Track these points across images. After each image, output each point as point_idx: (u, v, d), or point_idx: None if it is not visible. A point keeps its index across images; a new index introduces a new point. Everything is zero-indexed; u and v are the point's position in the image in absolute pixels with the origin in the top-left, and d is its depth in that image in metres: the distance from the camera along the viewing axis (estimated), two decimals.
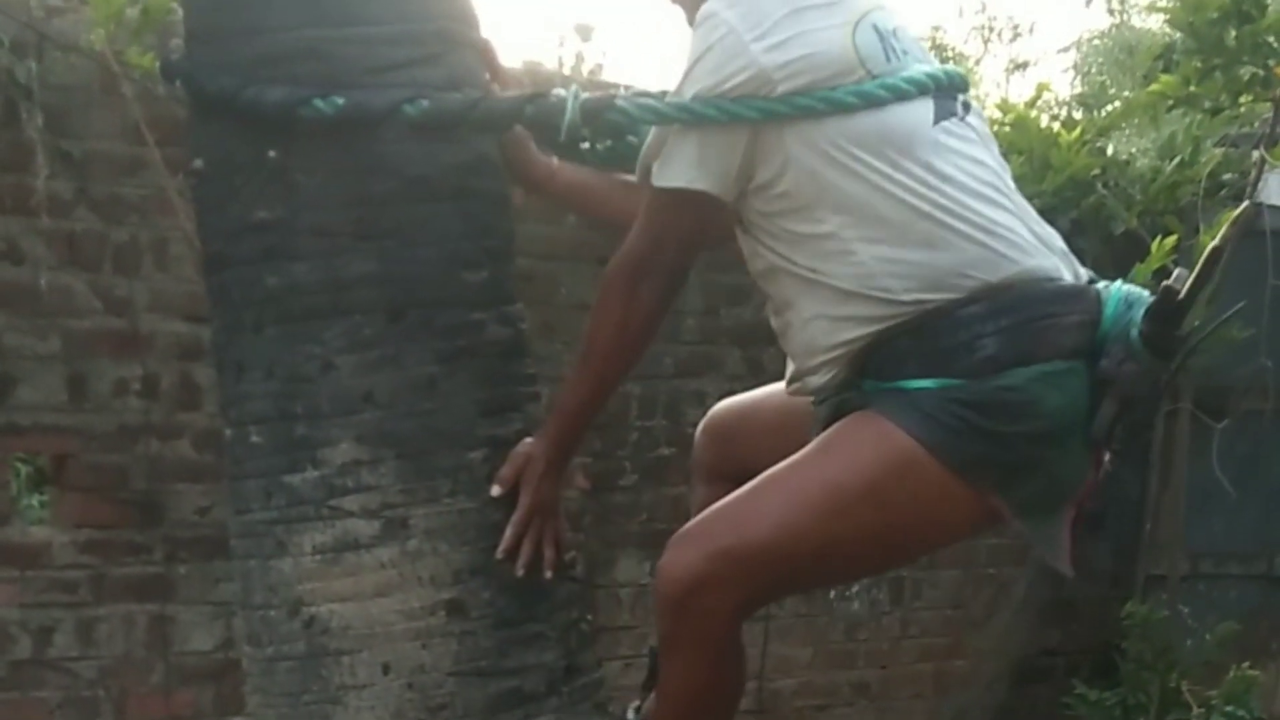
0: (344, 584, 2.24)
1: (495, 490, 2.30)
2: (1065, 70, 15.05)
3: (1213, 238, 4.67)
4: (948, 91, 2.32)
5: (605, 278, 2.33)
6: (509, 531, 2.30)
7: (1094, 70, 7.44)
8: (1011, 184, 2.35)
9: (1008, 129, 5.03)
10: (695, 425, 2.81)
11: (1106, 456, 2.34)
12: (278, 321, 2.25)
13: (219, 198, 2.30)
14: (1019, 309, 2.22)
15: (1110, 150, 5.27)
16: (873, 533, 2.26)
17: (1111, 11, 7.07)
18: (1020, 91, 16.12)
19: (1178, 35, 4.85)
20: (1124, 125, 5.19)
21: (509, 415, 2.34)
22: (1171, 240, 4.66)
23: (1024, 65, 16.87)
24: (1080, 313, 2.23)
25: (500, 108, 2.35)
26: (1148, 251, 4.66)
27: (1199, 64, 4.45)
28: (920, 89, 2.28)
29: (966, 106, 2.36)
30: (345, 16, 2.21)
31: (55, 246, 3.80)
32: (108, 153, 3.82)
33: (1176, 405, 5.39)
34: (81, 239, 3.84)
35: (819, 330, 2.31)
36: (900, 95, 2.25)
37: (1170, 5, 4.66)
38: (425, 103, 2.23)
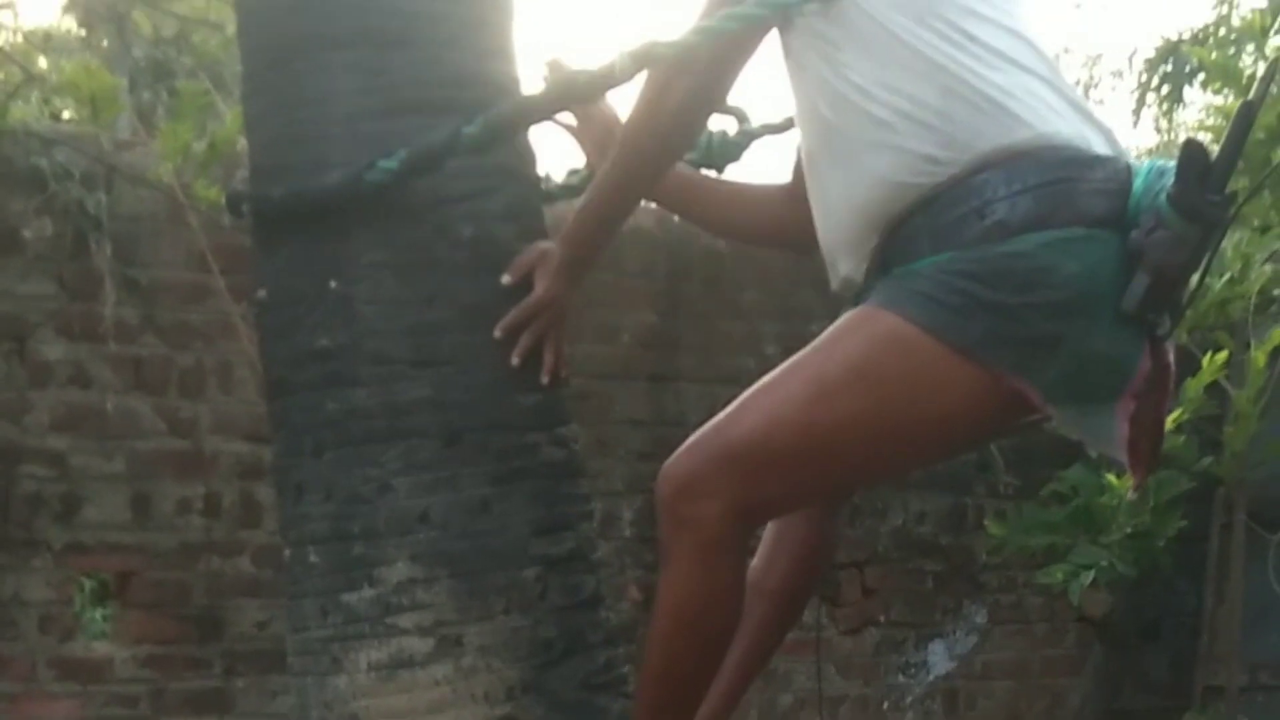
0: (398, 700, 2.25)
1: (506, 278, 2.29)
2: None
3: (1264, 353, 4.76)
4: None
5: (645, 81, 2.27)
6: (512, 314, 2.29)
7: None
8: (1049, 56, 2.22)
9: None
10: None
11: (1169, 351, 2.15)
12: (337, 445, 2.29)
13: (282, 326, 2.36)
14: (1034, 174, 2.07)
15: None
16: (866, 418, 2.10)
17: (1159, 129, 7.17)
18: None
19: None
20: None
21: (562, 535, 2.36)
22: (1223, 356, 4.65)
23: None
24: (1103, 180, 2.09)
25: (553, 90, 2.37)
26: (1199, 367, 4.67)
27: (1246, 183, 4.48)
28: None
29: None
30: None
31: (122, 371, 3.92)
32: (174, 280, 3.95)
33: (1231, 518, 5.37)
34: (148, 363, 3.96)
35: (845, 208, 2.21)
36: None
37: (1216, 125, 4.69)
38: (480, 118, 2.26)
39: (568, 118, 2.62)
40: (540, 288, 2.31)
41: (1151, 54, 5.45)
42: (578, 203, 2.37)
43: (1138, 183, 2.07)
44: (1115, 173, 2.10)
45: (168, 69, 4.82)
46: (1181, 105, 5.54)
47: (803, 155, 2.33)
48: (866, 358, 2.10)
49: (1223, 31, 4.98)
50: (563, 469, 2.39)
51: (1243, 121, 2.07)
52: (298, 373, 2.34)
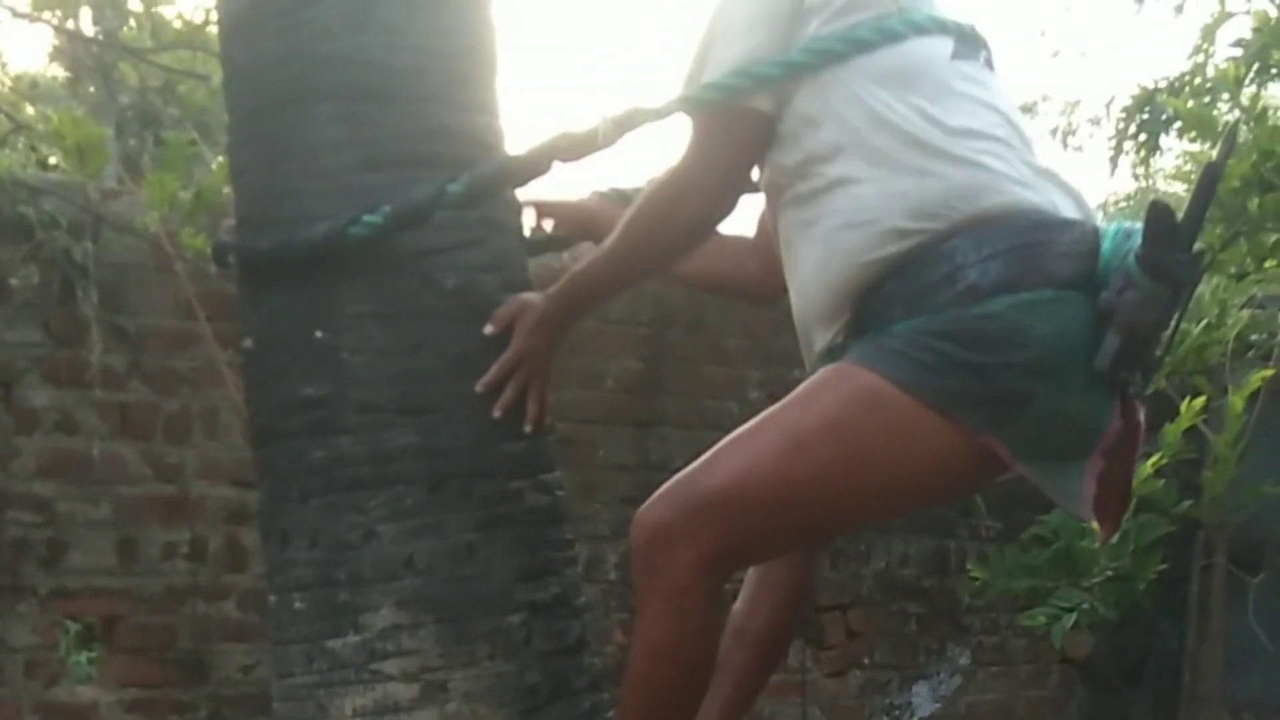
0: None
1: (488, 329, 2.33)
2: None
3: (1242, 398, 4.80)
4: (970, 39, 2.29)
5: (653, 191, 2.33)
6: (494, 369, 2.32)
7: None
8: (1023, 128, 2.27)
9: None
10: None
11: (1140, 409, 2.19)
12: (323, 492, 2.31)
13: (267, 375, 2.39)
14: (1003, 239, 2.11)
15: None
16: (838, 472, 2.13)
17: (1136, 176, 7.22)
18: None
19: None
20: None
21: (546, 580, 2.38)
22: (1200, 401, 4.69)
23: None
24: (1071, 243, 2.12)
25: (537, 152, 2.38)
26: (1177, 412, 4.71)
27: (1222, 230, 4.52)
28: (941, 27, 2.26)
29: (989, 62, 2.32)
30: (390, 203, 2.28)
31: (108, 417, 3.94)
32: (160, 327, 3.97)
33: (1212, 560, 5.40)
34: (134, 409, 3.98)
35: (817, 285, 2.25)
36: (920, 30, 2.23)
37: (1192, 174, 4.74)
38: (465, 177, 2.30)
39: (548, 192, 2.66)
40: (518, 342, 2.35)
41: (1129, 102, 5.50)
42: (566, 256, 2.41)
43: (1105, 245, 2.11)
44: (1083, 236, 2.14)
45: (154, 116, 4.85)
46: (1159, 153, 5.60)
47: (776, 231, 2.36)
48: (842, 412, 2.13)
49: (1198, 80, 5.03)
50: (547, 515, 2.42)
51: (1207, 183, 2.10)
52: (283, 421, 2.36)
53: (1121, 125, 5.62)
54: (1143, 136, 5.44)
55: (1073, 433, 2.14)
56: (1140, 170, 6.26)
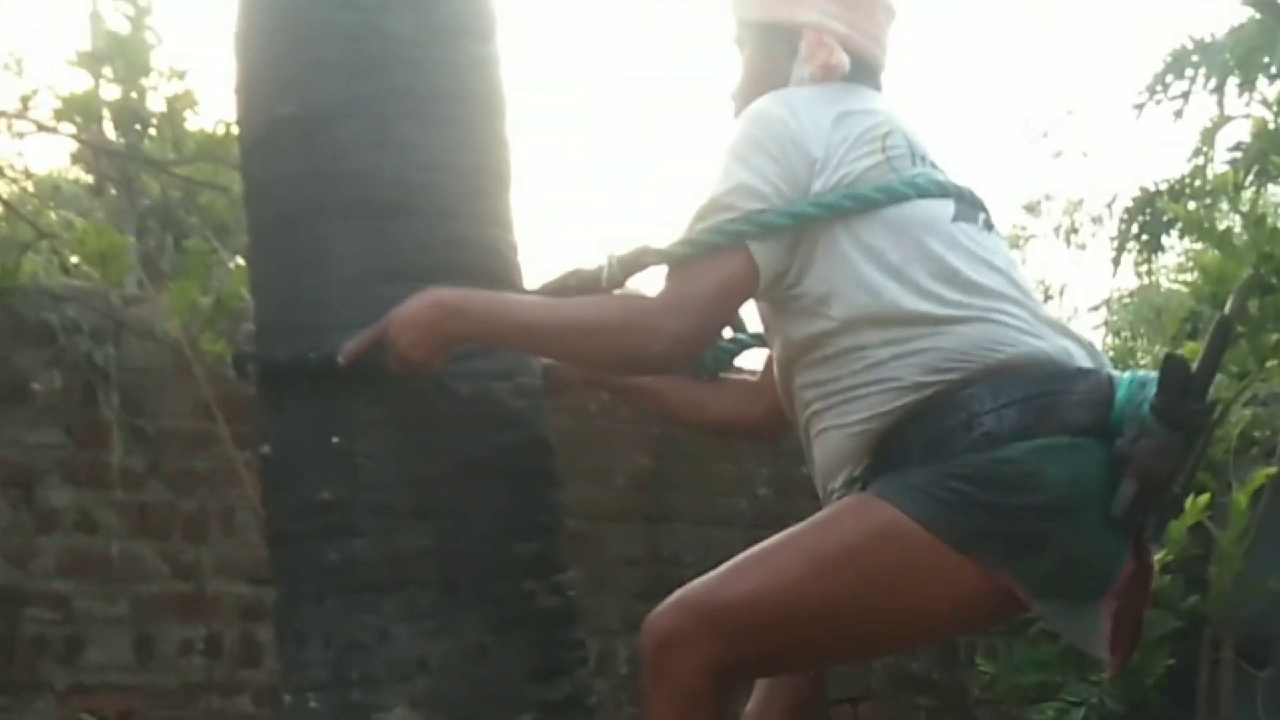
0: None
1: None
2: (1096, 327, 15.30)
3: (1246, 494, 4.83)
4: (970, 202, 2.35)
5: (620, 307, 2.32)
6: (370, 330, 2.28)
7: (1124, 330, 7.63)
8: (1024, 282, 2.34)
9: None
10: None
11: (1154, 549, 2.25)
12: (338, 593, 2.34)
13: (284, 480, 2.43)
14: (1019, 387, 2.17)
15: None
16: (853, 600, 2.17)
17: (1139, 274, 7.29)
18: None
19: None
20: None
21: (558, 679, 2.42)
22: (1205, 498, 4.70)
23: None
24: (1085, 392, 2.17)
25: (546, 288, 2.44)
26: (1183, 509, 4.73)
27: None
28: (942, 190, 2.32)
29: (988, 224, 2.38)
30: None
31: (127, 516, 3.99)
32: (179, 429, 4.03)
33: (1219, 655, 5.40)
34: (153, 509, 4.03)
35: (837, 435, 2.29)
36: (923, 192, 2.29)
37: (1193, 280, 4.80)
38: None
39: None
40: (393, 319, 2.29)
41: (1130, 203, 5.57)
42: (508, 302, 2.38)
43: (1120, 394, 2.16)
44: (1098, 384, 2.19)
45: (175, 219, 4.95)
46: (1161, 251, 5.67)
47: (785, 385, 2.41)
48: (862, 541, 2.17)
49: (1198, 183, 5.10)
50: (559, 615, 2.45)
51: (1220, 336, 2.19)
52: (299, 524, 2.40)
53: (1123, 226, 5.69)
54: (1145, 237, 5.50)
55: (1087, 574, 2.19)
56: (1143, 268, 6.34)
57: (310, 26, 2.40)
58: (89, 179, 6.19)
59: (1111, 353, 7.15)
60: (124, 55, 4.17)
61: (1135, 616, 2.28)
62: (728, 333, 2.63)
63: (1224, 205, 5.00)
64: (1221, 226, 4.77)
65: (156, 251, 5.16)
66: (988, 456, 2.14)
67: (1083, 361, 2.25)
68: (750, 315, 2.56)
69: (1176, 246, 6.20)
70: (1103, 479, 2.15)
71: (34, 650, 3.94)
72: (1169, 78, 4.89)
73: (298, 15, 2.41)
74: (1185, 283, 5.09)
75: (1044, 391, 2.17)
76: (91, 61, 4.53)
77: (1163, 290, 6.44)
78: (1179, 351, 2.22)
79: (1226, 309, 2.27)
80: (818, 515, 2.27)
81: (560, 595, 2.47)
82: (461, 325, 2.28)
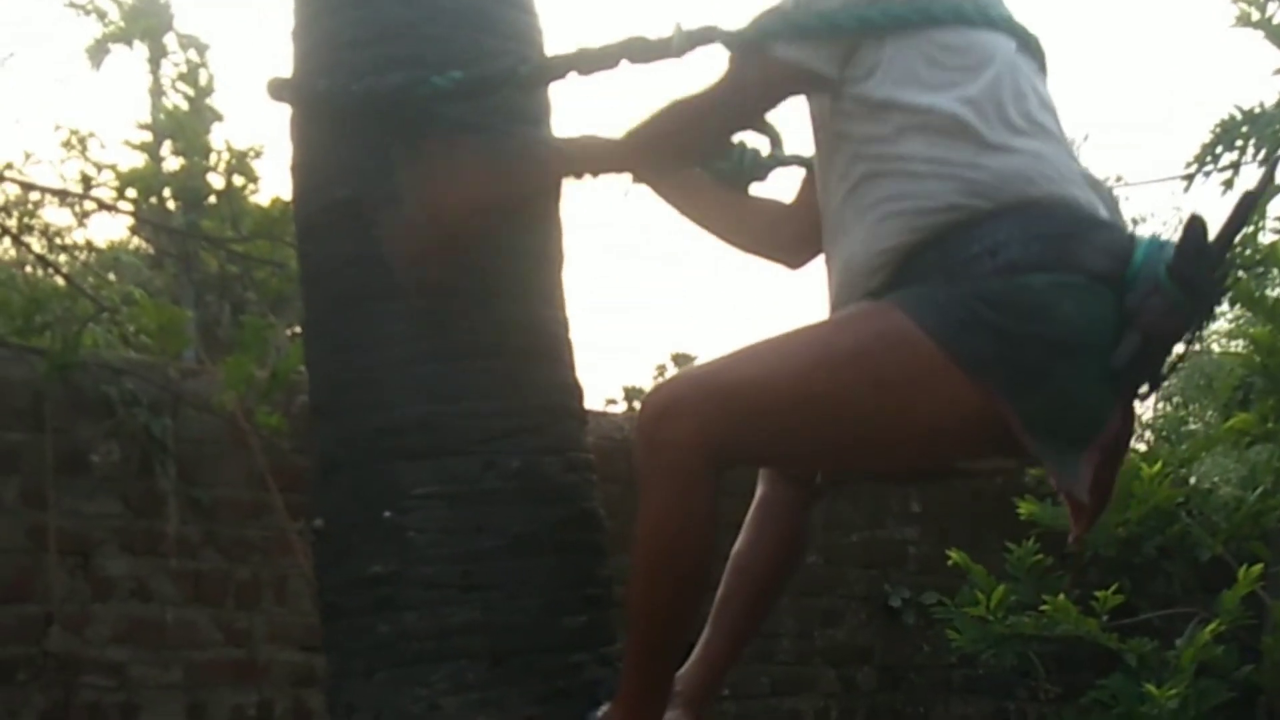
0: None
1: None
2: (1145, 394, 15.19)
3: None
4: (1032, 48, 2.42)
5: (678, 106, 2.40)
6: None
7: (1175, 396, 7.62)
8: (1064, 131, 2.39)
9: None
10: None
11: (1134, 418, 2.31)
12: (387, 666, 2.37)
13: (336, 554, 2.46)
14: (1046, 224, 2.22)
15: (1193, 480, 5.36)
16: (855, 397, 2.21)
17: (1190, 341, 7.24)
18: None
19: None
20: (1205, 454, 5.29)
21: None
22: (1258, 567, 4.69)
23: None
24: (1107, 242, 2.23)
25: (609, 49, 2.43)
26: (1235, 578, 4.71)
27: (1274, 403, 4.55)
28: (1008, 27, 2.36)
29: (1044, 70, 2.44)
30: (457, 392, 2.39)
31: (182, 584, 4.04)
32: (234, 498, 4.09)
33: None
34: (207, 577, 4.08)
35: (865, 248, 2.33)
36: (990, 23, 2.33)
37: (1245, 350, 4.79)
38: (536, 60, 2.45)
39: None
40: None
41: None
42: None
43: (1139, 252, 2.22)
44: (1119, 237, 2.26)
45: (232, 290, 5.02)
46: (1212, 319, 5.66)
47: (825, 208, 2.46)
48: (874, 343, 2.22)
49: (1249, 252, 5.10)
50: (607, 687, 2.44)
51: (1243, 209, 2.24)
52: (350, 598, 2.43)
53: None
54: None
55: (1079, 420, 2.24)
56: (1195, 335, 6.30)
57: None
58: (149, 248, 6.28)
59: (1162, 420, 7.12)
60: (183, 134, 4.25)
61: (1108, 480, 2.32)
62: (766, 149, 2.71)
63: (1275, 273, 5.00)
64: (1273, 294, 4.78)
65: (214, 322, 5.24)
66: (1007, 282, 2.19)
67: (1105, 215, 2.31)
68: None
69: (1229, 313, 6.18)
70: (1110, 328, 2.20)
71: (89, 716, 3.99)
72: (1219, 148, 4.90)
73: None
74: (1235, 354, 5.09)
75: (1069, 232, 2.23)
76: (151, 138, 4.63)
77: (1214, 357, 6.42)
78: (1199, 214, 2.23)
79: (1253, 186, 2.27)
80: (835, 315, 2.33)
81: (609, 666, 2.48)
82: (581, 164, 2.46)
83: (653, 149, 2.48)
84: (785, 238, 2.73)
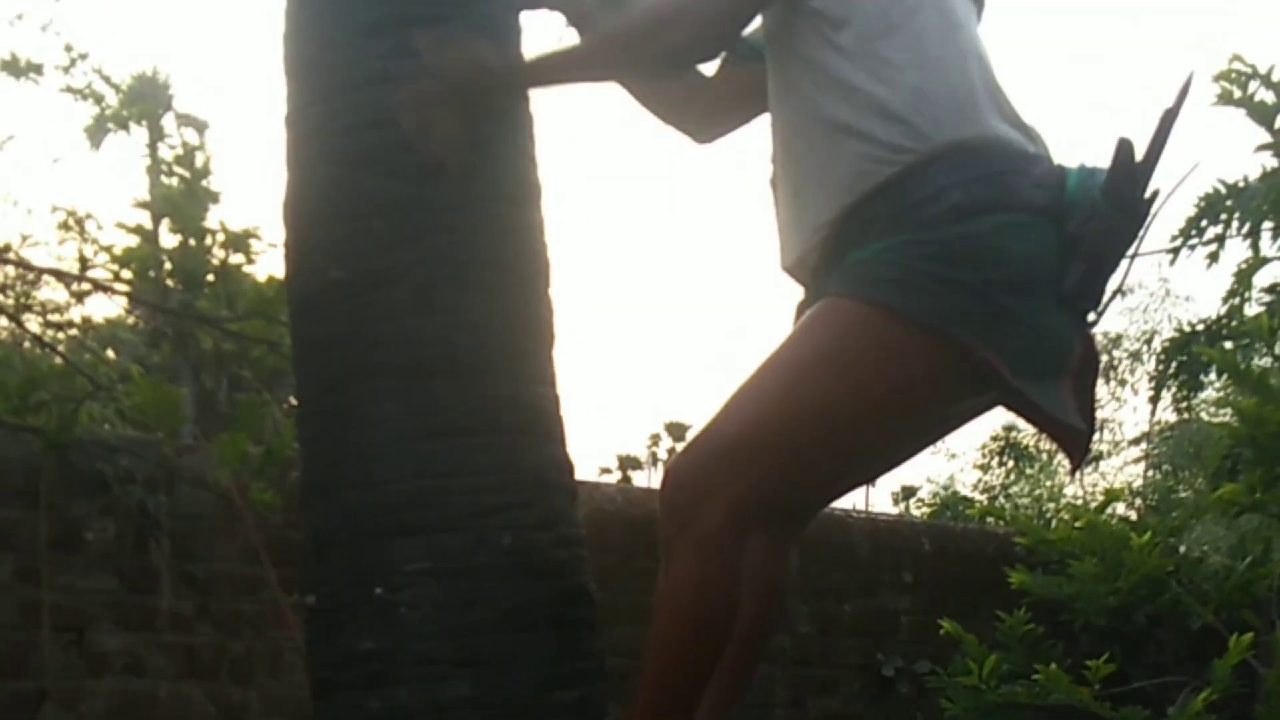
0: None
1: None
2: (1136, 460, 15.26)
3: None
4: None
5: (653, 5, 2.45)
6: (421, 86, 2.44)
7: (1165, 464, 7.66)
8: (996, 73, 2.47)
9: (1079, 532, 5.16)
10: None
11: (1093, 339, 2.39)
12: None
13: (328, 630, 2.48)
14: (983, 164, 2.29)
15: (1182, 548, 5.38)
16: (839, 397, 2.28)
17: (1179, 410, 7.31)
18: (1092, 482, 16.39)
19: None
20: (1194, 523, 5.31)
21: None
22: (1249, 636, 4.68)
23: (1096, 459, 17.15)
24: (1041, 175, 2.31)
25: None
26: (1226, 647, 4.72)
27: (1262, 473, 4.57)
28: None
29: (980, 15, 2.56)
30: (449, 469, 2.42)
31: (176, 659, 4.04)
32: (228, 574, 4.10)
33: None
34: (201, 651, 4.09)
35: (819, 188, 2.40)
36: None
37: (1232, 422, 4.82)
38: None
39: None
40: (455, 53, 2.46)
41: (1168, 343, 5.62)
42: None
43: (1072, 181, 2.31)
44: (1052, 169, 2.35)
45: (227, 363, 5.05)
46: (1200, 389, 5.72)
47: (776, 134, 2.53)
48: (836, 342, 2.30)
49: (1235, 323, 5.15)
50: None
51: (1165, 126, 2.31)
52: (342, 673, 2.45)
53: (1161, 366, 5.74)
54: (1183, 376, 5.54)
55: (1050, 350, 2.32)
56: (1184, 405, 6.38)
57: (357, 197, 2.49)
58: (145, 323, 6.32)
59: (1153, 488, 7.16)
60: (180, 216, 4.30)
61: (1089, 404, 2.41)
62: None
63: (1260, 345, 5.04)
64: (1260, 362, 4.82)
65: (211, 396, 5.28)
66: (956, 230, 2.26)
67: (1032, 150, 2.39)
68: None
69: (1216, 382, 6.23)
70: (1055, 258, 2.28)
71: None
72: (1203, 222, 4.96)
73: (345, 187, 2.50)
74: (1223, 425, 5.13)
75: (1006, 170, 2.32)
76: (150, 217, 4.69)
77: (1202, 425, 6.48)
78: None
79: (1171, 103, 2.36)
80: (791, 331, 2.39)
81: None
82: (534, 75, 2.53)
83: (612, 59, 2.55)
84: (697, 112, 2.80)
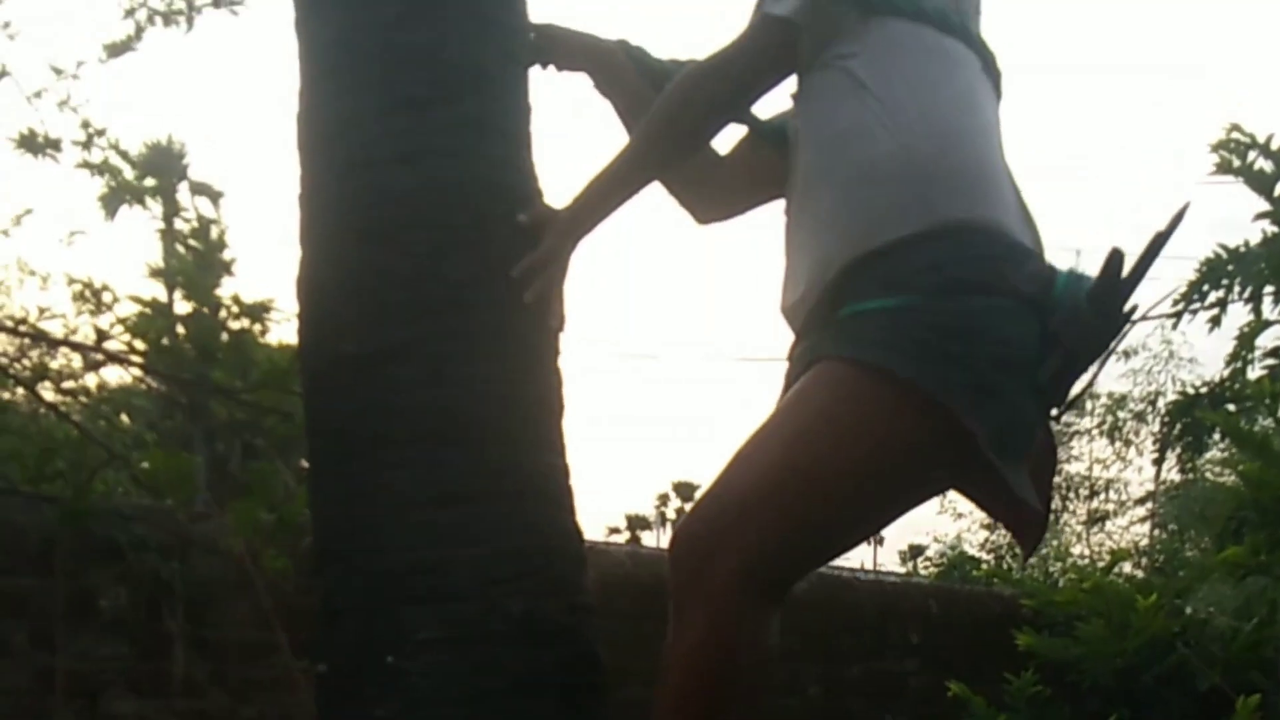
0: None
1: (522, 218, 2.55)
2: (1142, 520, 15.26)
3: None
4: (992, 68, 2.62)
5: (682, 76, 2.59)
6: (525, 261, 2.52)
7: (1170, 524, 7.68)
8: (1008, 161, 2.56)
9: (1085, 594, 5.18)
10: None
11: (1052, 434, 2.50)
12: None
13: (341, 697, 2.50)
14: (984, 246, 2.39)
15: (1189, 609, 5.40)
16: (836, 457, 2.33)
17: (1184, 470, 7.31)
18: (1098, 542, 16.39)
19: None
20: (1200, 584, 5.33)
21: None
22: (1256, 698, 4.71)
23: (1102, 519, 17.17)
24: (1034, 271, 2.39)
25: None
26: (1234, 708, 4.72)
27: (1266, 536, 4.61)
28: (977, 46, 2.58)
29: (998, 91, 2.64)
30: (461, 536, 2.46)
31: None
32: (240, 639, 4.13)
33: None
34: (213, 716, 4.11)
35: (832, 233, 2.47)
36: (965, 37, 2.56)
37: (1236, 485, 4.86)
38: None
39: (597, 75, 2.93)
40: (546, 241, 2.55)
41: (1171, 405, 5.66)
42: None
43: (1060, 281, 2.39)
44: (1044, 267, 2.43)
45: (241, 432, 5.07)
46: (1204, 450, 5.75)
47: (797, 177, 2.60)
48: (834, 404, 2.36)
49: (1237, 385, 5.19)
50: None
51: (1153, 249, 2.39)
52: None
53: (1165, 429, 5.77)
54: (1188, 438, 5.58)
55: (1022, 433, 2.38)
56: (1189, 465, 6.40)
57: (370, 273, 2.54)
58: (159, 388, 6.34)
59: (1159, 547, 7.17)
60: (194, 289, 4.36)
61: (1046, 492, 2.50)
62: None
63: (1263, 409, 5.07)
64: (1264, 423, 4.86)
65: (224, 461, 5.30)
66: (948, 305, 2.34)
67: (1029, 245, 2.48)
68: None
69: (1221, 443, 6.27)
70: (1036, 347, 2.36)
71: None
72: (1205, 286, 5.01)
73: (358, 263, 2.56)
74: (1228, 485, 5.16)
75: (1004, 256, 2.39)
76: (164, 286, 4.74)
77: (1207, 486, 6.50)
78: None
79: (1163, 227, 2.45)
80: (789, 395, 2.44)
81: None
82: (592, 213, 2.60)
83: (663, 134, 2.61)
84: (707, 191, 2.91)
